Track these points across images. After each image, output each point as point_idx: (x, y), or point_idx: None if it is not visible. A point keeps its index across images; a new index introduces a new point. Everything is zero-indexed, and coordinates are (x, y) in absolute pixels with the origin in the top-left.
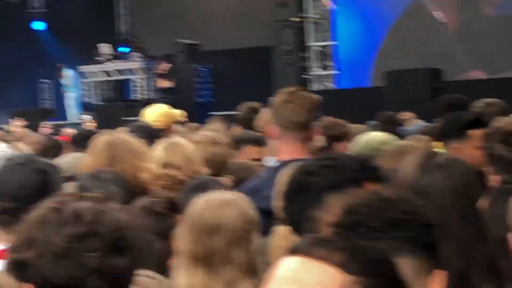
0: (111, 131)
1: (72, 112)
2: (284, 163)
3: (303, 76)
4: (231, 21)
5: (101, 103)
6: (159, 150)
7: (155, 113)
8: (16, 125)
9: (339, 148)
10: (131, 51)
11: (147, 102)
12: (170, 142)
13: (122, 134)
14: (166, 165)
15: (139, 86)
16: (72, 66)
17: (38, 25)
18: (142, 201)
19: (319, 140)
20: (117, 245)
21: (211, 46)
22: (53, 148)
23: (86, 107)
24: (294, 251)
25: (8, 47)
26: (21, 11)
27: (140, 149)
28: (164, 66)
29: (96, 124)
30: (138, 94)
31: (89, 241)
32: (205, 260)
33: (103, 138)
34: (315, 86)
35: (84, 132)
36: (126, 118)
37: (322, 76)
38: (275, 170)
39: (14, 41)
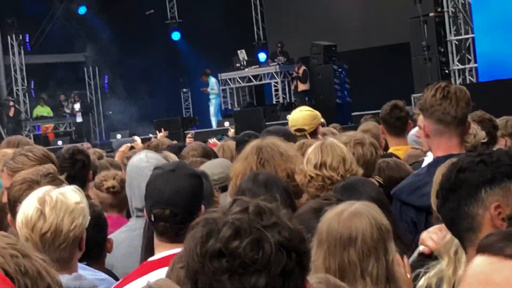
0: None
1: (214, 119)
2: (440, 159)
3: (443, 71)
4: (366, 19)
5: (241, 109)
6: (313, 151)
7: (301, 116)
8: (161, 135)
9: (500, 143)
10: (268, 56)
11: (286, 106)
12: (324, 143)
13: (270, 139)
14: (321, 166)
15: (277, 90)
16: (212, 74)
17: (175, 35)
18: (312, 203)
19: (480, 135)
20: (257, 265)
21: (347, 46)
22: (205, 156)
23: (226, 114)
24: (482, 250)
25: (147, 58)
26: (157, 22)
27: (288, 152)
28: (301, 69)
29: (234, 131)
30: (277, 98)
31: (222, 260)
32: (339, 274)
33: (251, 143)
34: (456, 81)
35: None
36: (267, 122)
37: (463, 70)
38: (432, 166)
39: (153, 52)
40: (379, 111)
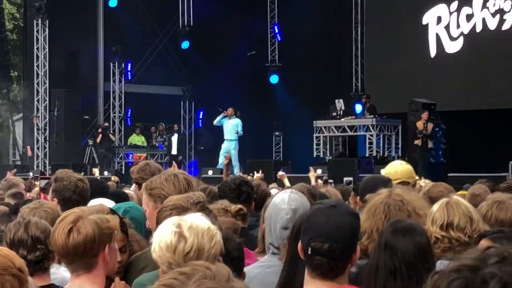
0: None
1: (236, 164)
2: None
3: None
4: (468, 82)
5: (333, 158)
6: (438, 211)
7: (405, 169)
8: (257, 176)
9: None
10: (365, 108)
11: (379, 160)
12: (449, 201)
13: (400, 192)
14: (447, 227)
15: (372, 143)
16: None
17: (274, 79)
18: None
19: None
20: None
21: (446, 107)
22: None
23: (318, 161)
24: None
25: (244, 98)
26: (257, 63)
27: (417, 210)
28: (430, 126)
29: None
30: (370, 151)
31: None
32: None
33: (382, 196)
34: None
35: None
36: (360, 174)
37: None
38: None
39: (250, 92)
40: (475, 174)
